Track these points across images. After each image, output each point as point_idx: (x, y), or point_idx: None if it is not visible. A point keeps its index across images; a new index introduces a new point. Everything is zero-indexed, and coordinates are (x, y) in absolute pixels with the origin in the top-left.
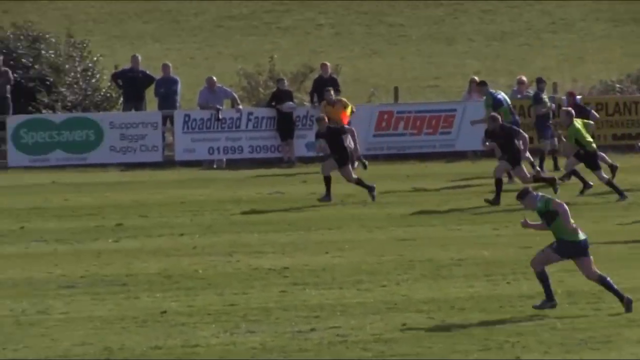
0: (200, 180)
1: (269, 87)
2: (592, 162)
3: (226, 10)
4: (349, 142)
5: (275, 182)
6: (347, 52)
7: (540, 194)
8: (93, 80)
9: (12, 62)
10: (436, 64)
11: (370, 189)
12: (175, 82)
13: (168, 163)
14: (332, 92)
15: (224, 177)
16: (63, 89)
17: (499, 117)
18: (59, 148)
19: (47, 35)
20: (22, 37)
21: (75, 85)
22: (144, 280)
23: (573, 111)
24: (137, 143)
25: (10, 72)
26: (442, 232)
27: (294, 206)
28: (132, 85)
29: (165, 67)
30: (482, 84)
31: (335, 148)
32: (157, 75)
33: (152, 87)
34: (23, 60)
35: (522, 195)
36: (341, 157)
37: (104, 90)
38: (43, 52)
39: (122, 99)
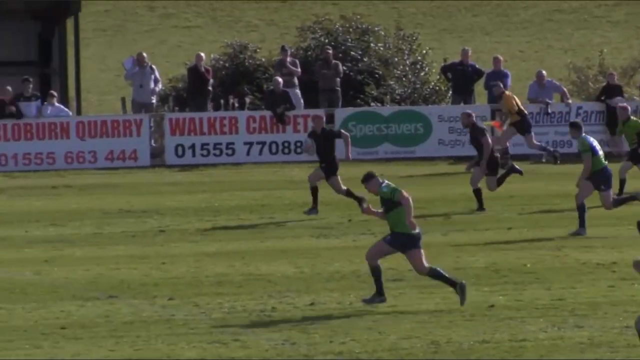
0: (528, 174)
1: (598, 81)
2: None
3: (556, 4)
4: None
5: None
6: None
7: (387, 181)
8: (422, 74)
9: (341, 55)
10: None
11: (361, 201)
12: (505, 75)
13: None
14: (500, 85)
15: (552, 171)
16: (392, 82)
17: None
18: (387, 141)
19: (376, 28)
20: (351, 30)
21: (404, 79)
22: (471, 274)
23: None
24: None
25: (340, 65)
26: None
27: None
28: (462, 78)
29: (496, 61)
30: None
31: (324, 153)
32: (486, 68)
33: (481, 81)
34: (352, 52)
35: (367, 178)
36: (329, 165)
37: (432, 83)
38: (372, 45)
39: (450, 92)
